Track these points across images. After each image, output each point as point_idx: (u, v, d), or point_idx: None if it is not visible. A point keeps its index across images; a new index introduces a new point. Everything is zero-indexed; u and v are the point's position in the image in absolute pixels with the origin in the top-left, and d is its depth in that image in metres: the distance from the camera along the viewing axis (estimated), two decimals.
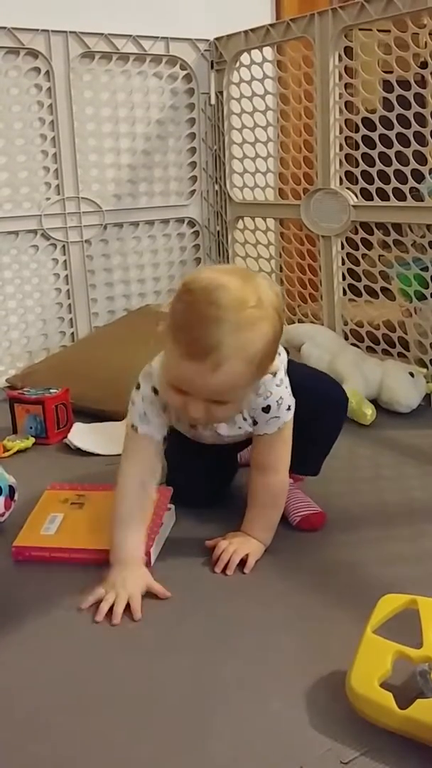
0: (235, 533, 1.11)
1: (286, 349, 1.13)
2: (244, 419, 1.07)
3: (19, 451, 1.51)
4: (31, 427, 1.57)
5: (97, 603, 0.97)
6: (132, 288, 2.15)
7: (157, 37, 2.01)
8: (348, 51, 1.79)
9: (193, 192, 2.19)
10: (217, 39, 2.07)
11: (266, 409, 1.05)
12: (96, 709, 0.80)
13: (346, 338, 1.93)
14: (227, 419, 1.05)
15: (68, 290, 2.03)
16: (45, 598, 1.00)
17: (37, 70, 1.87)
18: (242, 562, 1.06)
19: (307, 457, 1.19)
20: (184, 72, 2.09)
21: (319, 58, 1.80)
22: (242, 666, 0.85)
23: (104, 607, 0.95)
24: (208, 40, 2.08)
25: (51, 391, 1.60)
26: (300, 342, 1.84)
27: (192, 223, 2.21)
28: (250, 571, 1.05)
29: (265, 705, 0.79)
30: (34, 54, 1.85)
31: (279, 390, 1.05)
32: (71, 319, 2.05)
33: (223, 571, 1.05)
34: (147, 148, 2.08)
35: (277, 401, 1.05)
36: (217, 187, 2.20)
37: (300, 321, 2.06)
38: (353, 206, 1.81)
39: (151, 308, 2.10)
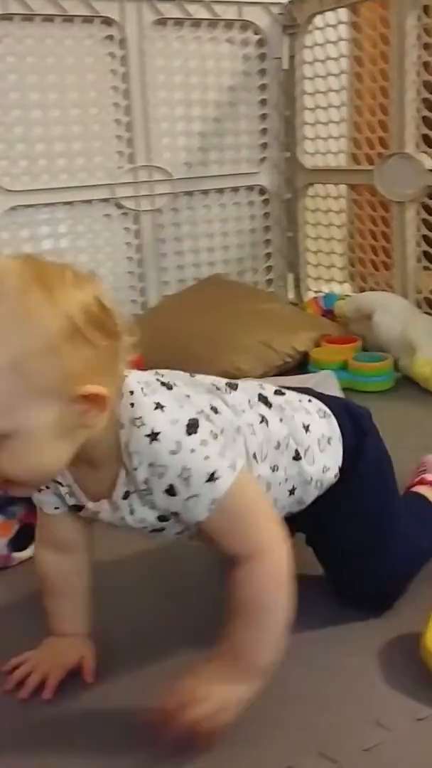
0: (208, 666, 0.70)
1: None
2: (131, 510, 0.73)
3: None
4: None
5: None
6: (202, 257, 2.16)
7: (230, 2, 1.99)
8: (427, 10, 1.73)
9: (263, 159, 2.17)
10: (290, 2, 2.04)
11: (170, 492, 0.69)
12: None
13: (419, 307, 1.90)
14: (18, 473, 0.66)
15: (139, 259, 2.05)
16: None
17: (111, 38, 1.88)
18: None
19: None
20: (257, 37, 2.06)
21: (397, 18, 1.75)
22: (316, 624, 0.86)
23: (16, 676, 0.81)
24: (281, 3, 2.05)
25: None
26: (371, 310, 1.82)
27: (262, 190, 2.20)
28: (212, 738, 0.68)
29: (339, 663, 0.81)
30: (108, 22, 1.86)
31: (179, 458, 0.68)
32: (142, 287, 2.07)
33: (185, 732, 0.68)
34: (218, 116, 2.08)
35: (179, 475, 0.68)
36: (287, 154, 2.17)
37: (371, 290, 2.04)
38: (429, 170, 1.77)
39: (221, 277, 2.11)
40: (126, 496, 0.72)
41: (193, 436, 0.68)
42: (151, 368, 0.73)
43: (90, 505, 0.75)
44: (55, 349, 0.62)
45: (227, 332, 1.76)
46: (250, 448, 0.78)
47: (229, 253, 2.20)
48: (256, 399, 0.83)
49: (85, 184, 1.91)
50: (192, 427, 0.68)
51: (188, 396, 0.73)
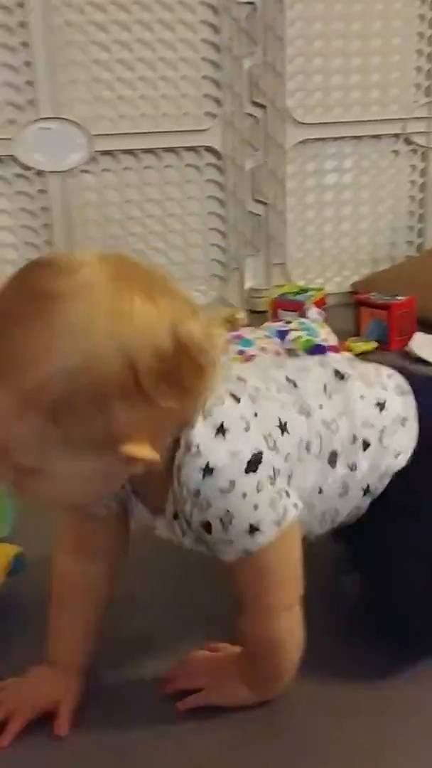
0: (215, 656, 0.74)
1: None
2: (182, 531, 0.66)
3: (360, 353, 1.55)
4: (373, 332, 1.60)
5: None
6: None
7: None
8: None
9: None
10: None
11: (206, 528, 0.63)
12: None
13: None
14: (51, 497, 0.61)
15: (421, 199, 1.98)
16: None
17: None
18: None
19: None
20: None
21: None
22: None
23: None
24: None
25: (397, 298, 1.61)
26: None
27: None
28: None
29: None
30: None
31: (227, 499, 0.61)
32: (420, 228, 2.01)
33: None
34: None
35: (220, 518, 0.62)
36: None
37: None
38: None
39: None
40: (176, 516, 0.65)
41: (251, 476, 0.61)
42: (423, 311, 0.63)
43: (146, 518, 0.68)
44: (104, 402, 0.52)
45: None
46: (325, 447, 0.70)
47: None
48: (332, 377, 0.73)
49: (377, 118, 1.87)
50: (253, 464, 0.61)
51: (256, 415, 0.64)
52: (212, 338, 0.57)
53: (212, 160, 1.79)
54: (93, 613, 0.72)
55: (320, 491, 0.71)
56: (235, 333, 1.36)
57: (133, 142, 1.72)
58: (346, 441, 0.71)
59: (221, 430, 0.61)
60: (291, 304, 1.64)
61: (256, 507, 0.62)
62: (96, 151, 1.69)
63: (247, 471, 0.61)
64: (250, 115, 1.78)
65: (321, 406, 0.70)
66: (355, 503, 0.73)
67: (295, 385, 0.71)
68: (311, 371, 0.74)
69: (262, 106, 1.78)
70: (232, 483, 0.61)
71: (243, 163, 1.80)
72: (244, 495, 0.61)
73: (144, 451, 0.55)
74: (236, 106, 1.76)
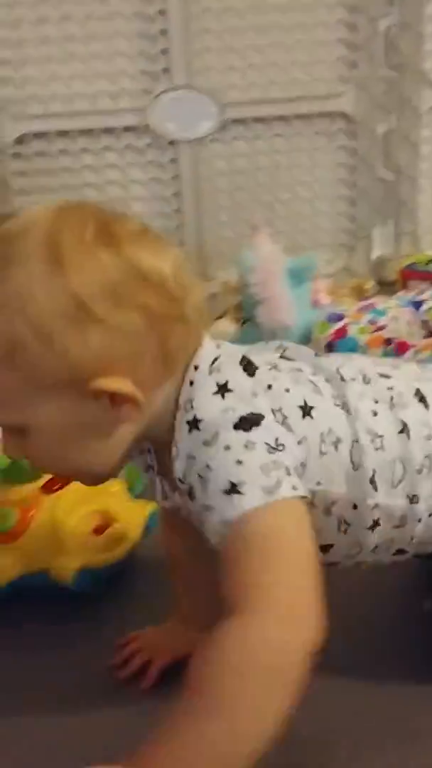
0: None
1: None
2: (178, 487, 0.59)
3: None
4: None
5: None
6: None
7: None
8: None
9: None
10: None
11: (190, 493, 0.56)
12: None
13: None
14: (55, 470, 0.65)
15: None
16: None
17: None
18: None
19: None
20: None
21: None
22: None
23: (123, 654, 0.76)
24: None
25: None
26: None
27: None
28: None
29: None
30: None
31: (207, 451, 0.54)
32: None
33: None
34: None
35: (199, 473, 0.54)
36: None
37: None
38: None
39: None
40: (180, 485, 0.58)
41: (239, 432, 0.53)
42: None
43: (167, 495, 0.63)
44: (48, 336, 0.50)
45: None
46: (366, 466, 0.60)
47: None
48: (412, 396, 0.63)
49: None
50: (246, 422, 0.53)
51: (270, 387, 0.57)
52: (180, 275, 0.55)
53: (344, 125, 1.76)
54: (203, 585, 0.68)
55: (355, 507, 0.61)
56: (366, 303, 1.34)
57: (264, 109, 1.71)
58: (411, 467, 0.61)
59: (223, 389, 0.55)
60: (422, 275, 1.60)
61: (239, 462, 0.52)
62: (227, 119, 1.69)
63: (236, 427, 0.53)
64: (385, 78, 1.72)
65: (376, 414, 0.61)
66: (420, 536, 0.63)
67: (342, 378, 0.62)
68: (375, 385, 0.63)
69: (397, 69, 1.72)
70: (216, 435, 0.53)
71: (375, 127, 1.75)
72: (227, 448, 0.53)
73: (116, 384, 0.52)
74: (371, 68, 1.70)
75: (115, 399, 0.53)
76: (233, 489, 0.51)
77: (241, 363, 0.58)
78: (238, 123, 1.71)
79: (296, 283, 1.27)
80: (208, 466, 0.53)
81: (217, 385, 0.56)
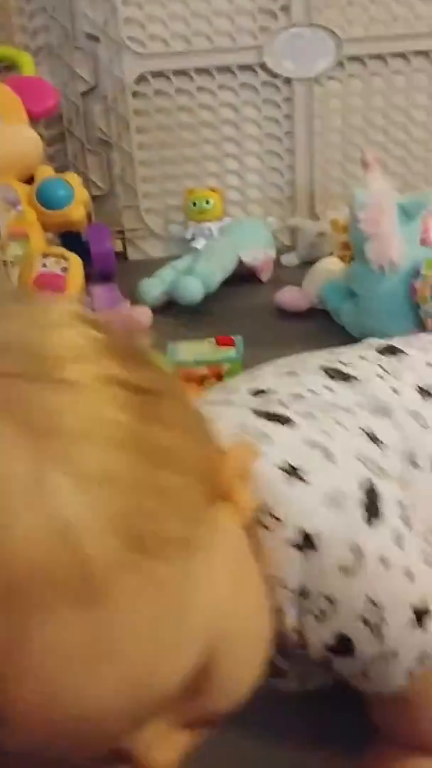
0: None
1: None
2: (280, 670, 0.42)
3: None
4: None
5: None
6: None
7: None
8: None
9: None
10: None
11: (340, 648, 0.38)
12: None
13: None
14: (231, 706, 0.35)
15: None
16: None
17: None
18: None
19: None
20: None
21: None
22: None
23: None
24: None
25: None
26: None
27: None
28: None
29: None
30: None
31: (356, 581, 0.37)
32: None
33: None
34: None
35: (362, 617, 0.37)
36: None
37: None
38: None
39: None
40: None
41: (377, 524, 0.37)
42: None
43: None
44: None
45: None
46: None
47: None
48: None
49: None
50: (371, 502, 0.37)
51: (327, 433, 0.40)
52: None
53: None
54: None
55: None
56: None
57: (383, 46, 1.68)
58: None
59: (291, 471, 0.38)
60: None
61: (409, 574, 0.37)
62: (344, 57, 1.68)
63: (369, 518, 0.37)
64: None
65: (395, 391, 0.47)
66: None
67: (346, 378, 0.47)
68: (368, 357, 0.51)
69: None
70: (356, 549, 0.36)
71: None
72: (384, 561, 0.37)
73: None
74: None
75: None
76: (420, 613, 0.37)
77: (274, 419, 0.42)
78: (355, 60, 1.70)
79: (407, 221, 1.27)
80: (370, 600, 0.36)
81: (279, 470, 0.39)
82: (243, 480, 0.34)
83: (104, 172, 1.79)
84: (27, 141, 1.41)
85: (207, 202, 1.69)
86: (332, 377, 0.47)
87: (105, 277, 1.51)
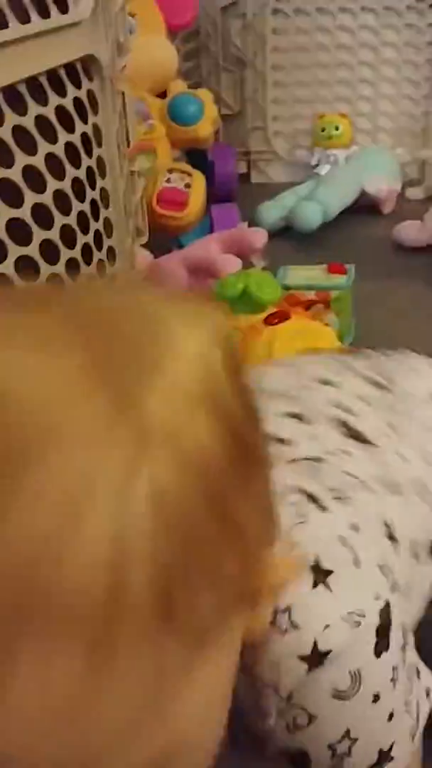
0: None
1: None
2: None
3: None
4: None
5: None
6: None
7: None
8: None
9: None
10: None
11: (298, 762, 0.36)
12: None
13: None
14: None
15: None
16: None
17: None
18: None
19: None
20: None
21: None
22: None
23: None
24: None
25: None
26: None
27: None
28: None
29: None
30: None
31: (344, 708, 0.34)
32: None
33: None
34: None
35: (332, 745, 0.35)
36: None
37: None
38: None
39: None
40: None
41: (384, 657, 0.34)
42: None
43: None
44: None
45: None
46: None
47: None
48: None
49: None
50: (383, 632, 0.34)
51: (357, 528, 0.37)
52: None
53: None
54: None
55: None
56: None
57: None
58: None
59: (323, 575, 0.34)
60: None
61: (391, 717, 0.35)
62: None
63: (378, 650, 0.34)
64: None
65: (403, 458, 0.43)
66: None
67: (362, 441, 0.43)
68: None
69: None
70: (357, 676, 0.34)
71: None
72: (377, 697, 0.34)
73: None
74: None
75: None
76: (382, 757, 0.36)
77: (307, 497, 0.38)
78: None
79: None
80: (348, 732, 0.35)
81: (310, 572, 0.35)
82: (274, 596, 0.32)
83: (236, 91, 1.79)
84: (164, 53, 1.42)
85: (336, 128, 1.67)
86: (347, 435, 0.42)
87: (226, 198, 1.53)
